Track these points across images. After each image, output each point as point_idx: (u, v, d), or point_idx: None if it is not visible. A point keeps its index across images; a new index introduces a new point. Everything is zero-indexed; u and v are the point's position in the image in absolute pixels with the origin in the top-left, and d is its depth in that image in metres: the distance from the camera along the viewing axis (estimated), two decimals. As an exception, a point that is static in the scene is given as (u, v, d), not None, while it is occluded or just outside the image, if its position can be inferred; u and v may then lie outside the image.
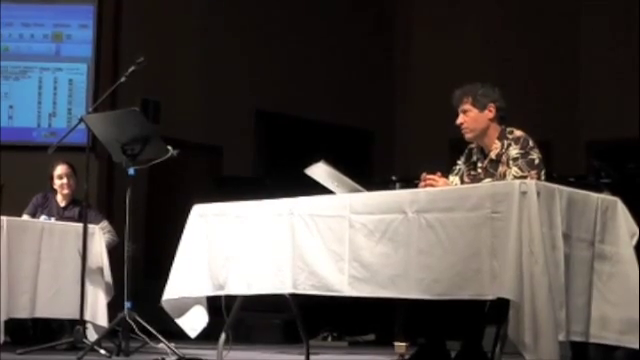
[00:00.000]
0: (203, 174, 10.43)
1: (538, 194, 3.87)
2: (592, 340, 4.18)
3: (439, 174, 4.73)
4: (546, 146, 6.21)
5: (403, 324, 6.16)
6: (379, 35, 12.03)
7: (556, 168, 7.05)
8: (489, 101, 4.83)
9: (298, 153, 7.34)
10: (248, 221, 4.83)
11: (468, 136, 4.87)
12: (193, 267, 4.99)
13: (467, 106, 4.82)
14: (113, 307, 6.35)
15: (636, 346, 4.21)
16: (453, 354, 4.69)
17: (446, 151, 9.64)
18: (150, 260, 9.29)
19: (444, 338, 4.73)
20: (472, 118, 4.82)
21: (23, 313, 6.26)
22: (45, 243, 6.33)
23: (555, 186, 4.06)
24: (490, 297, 3.96)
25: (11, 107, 9.79)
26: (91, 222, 6.50)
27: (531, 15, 11.46)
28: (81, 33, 9.85)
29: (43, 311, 6.33)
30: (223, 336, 4.99)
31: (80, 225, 6.25)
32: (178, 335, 5.46)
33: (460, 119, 4.85)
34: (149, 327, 5.69)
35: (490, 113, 4.82)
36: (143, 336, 5.70)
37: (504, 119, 4.85)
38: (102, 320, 6.36)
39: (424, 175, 4.70)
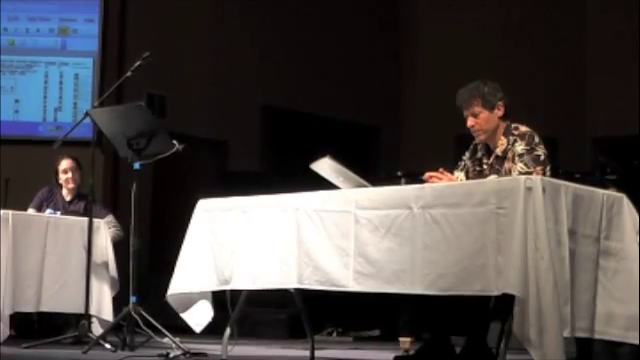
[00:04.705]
0: (208, 169, 10.43)
1: (544, 190, 3.86)
2: (597, 336, 4.18)
3: (441, 170, 4.71)
4: (552, 142, 6.21)
5: (408, 319, 6.17)
6: (384, 31, 12.01)
7: (562, 164, 7.04)
8: (497, 100, 4.79)
9: (303, 148, 7.33)
10: (253, 216, 4.83)
11: (481, 138, 4.83)
12: (198, 262, 4.99)
13: (478, 108, 4.76)
14: (118, 301, 6.35)
15: (641, 342, 4.21)
16: (458, 349, 4.69)
17: (451, 146, 9.63)
18: (155, 254, 9.30)
19: (449, 333, 4.74)
20: (484, 120, 4.77)
21: (28, 307, 6.25)
22: (50, 237, 6.32)
23: (561, 182, 4.05)
24: (495, 293, 3.95)
25: (17, 101, 9.80)
26: (96, 216, 6.49)
27: (537, 11, 11.44)
28: (87, 27, 9.85)
29: (48, 305, 6.32)
30: (228, 331, 4.98)
31: (85, 219, 6.24)
32: (183, 330, 5.46)
33: (471, 122, 4.79)
34: (154, 322, 5.68)
35: (499, 111, 4.79)
36: (148, 330, 5.69)
37: (507, 115, 4.83)
38: (107, 314, 6.36)
39: (427, 175, 4.68)
